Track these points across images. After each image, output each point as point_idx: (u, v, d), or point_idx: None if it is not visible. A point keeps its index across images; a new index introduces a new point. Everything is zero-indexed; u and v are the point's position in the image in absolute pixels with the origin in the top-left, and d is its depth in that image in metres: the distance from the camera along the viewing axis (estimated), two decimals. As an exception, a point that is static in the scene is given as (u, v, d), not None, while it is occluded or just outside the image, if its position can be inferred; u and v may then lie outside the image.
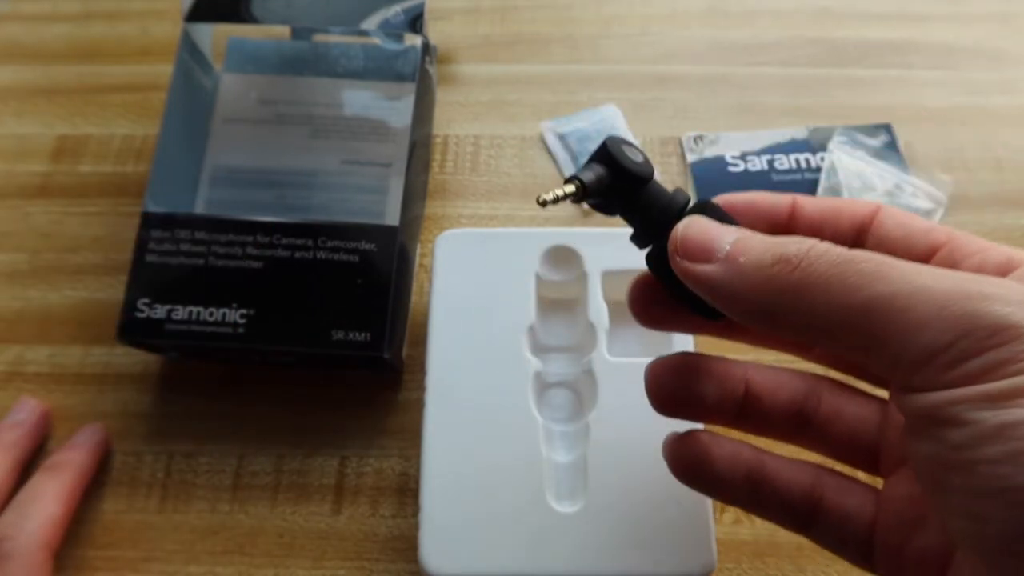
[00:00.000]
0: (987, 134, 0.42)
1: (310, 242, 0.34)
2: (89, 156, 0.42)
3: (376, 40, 0.39)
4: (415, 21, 0.37)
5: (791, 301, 0.19)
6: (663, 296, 0.24)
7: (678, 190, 0.23)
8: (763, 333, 0.26)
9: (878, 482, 0.24)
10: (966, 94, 0.43)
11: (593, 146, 0.41)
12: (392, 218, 0.35)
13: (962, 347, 0.17)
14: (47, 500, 0.31)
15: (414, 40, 0.39)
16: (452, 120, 0.43)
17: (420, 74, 0.38)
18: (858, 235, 0.24)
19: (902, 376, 0.18)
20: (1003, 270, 0.21)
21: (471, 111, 0.43)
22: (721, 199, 0.24)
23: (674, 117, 0.43)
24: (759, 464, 0.24)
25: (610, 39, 0.46)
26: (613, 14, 0.47)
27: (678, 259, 0.21)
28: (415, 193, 0.38)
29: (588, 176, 0.22)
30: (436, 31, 0.45)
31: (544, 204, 0.21)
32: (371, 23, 0.37)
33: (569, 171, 0.41)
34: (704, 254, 0.21)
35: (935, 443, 0.17)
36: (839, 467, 0.25)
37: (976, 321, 0.17)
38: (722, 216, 0.23)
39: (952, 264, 0.22)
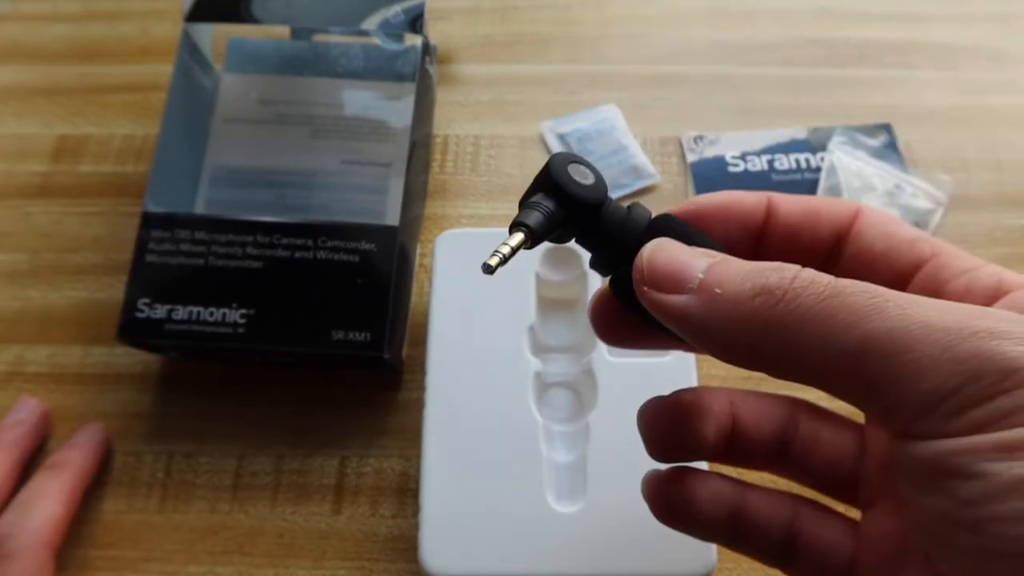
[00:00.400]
0: (987, 134, 0.42)
1: (310, 242, 0.34)
2: (89, 156, 0.42)
3: (376, 40, 0.39)
4: (415, 21, 0.37)
5: (775, 339, 0.17)
6: (629, 316, 0.22)
7: (636, 205, 0.21)
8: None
9: (857, 514, 0.23)
10: (966, 94, 0.43)
11: (593, 146, 0.41)
12: (392, 218, 0.35)
13: (971, 392, 0.15)
14: (49, 499, 0.31)
15: (414, 40, 0.39)
16: (452, 120, 0.43)
17: (420, 74, 0.38)
18: (837, 241, 0.22)
19: (902, 422, 0.16)
20: (993, 294, 0.19)
21: (471, 111, 0.43)
22: (689, 205, 0.22)
23: (674, 117, 0.43)
24: (740, 500, 0.23)
25: (610, 39, 0.46)
26: (613, 14, 0.47)
27: (645, 289, 0.19)
28: (415, 193, 0.38)
29: (535, 218, 0.19)
30: (436, 31, 0.45)
31: (492, 270, 0.18)
32: (371, 23, 0.37)
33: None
34: (674, 284, 0.18)
35: (940, 497, 0.16)
36: (820, 498, 0.24)
37: (986, 363, 0.15)
38: (688, 233, 0.20)
39: (937, 283, 0.20)
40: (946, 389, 0.15)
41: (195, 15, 0.38)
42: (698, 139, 0.42)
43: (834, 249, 0.22)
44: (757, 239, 0.22)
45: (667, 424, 0.23)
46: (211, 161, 0.37)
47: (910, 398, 0.16)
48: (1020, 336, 0.15)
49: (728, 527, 0.23)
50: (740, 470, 0.25)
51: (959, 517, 0.15)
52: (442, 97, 0.44)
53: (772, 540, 0.23)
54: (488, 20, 0.46)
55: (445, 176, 0.42)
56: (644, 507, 0.30)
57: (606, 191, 0.20)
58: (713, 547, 0.29)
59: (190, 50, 0.38)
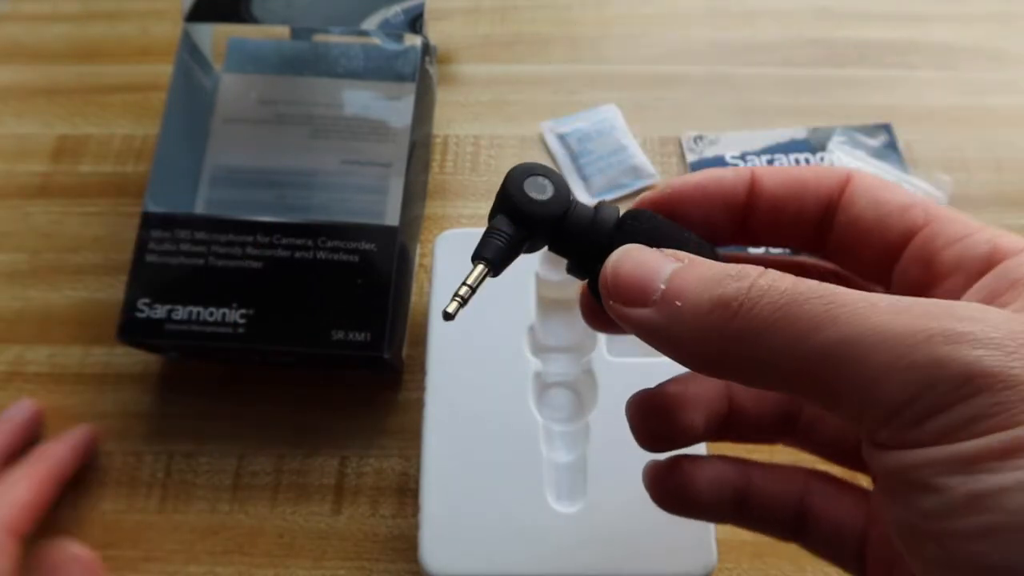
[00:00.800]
0: (987, 134, 0.42)
1: (310, 242, 0.34)
2: (89, 156, 0.42)
3: (376, 40, 0.39)
4: (415, 21, 0.37)
5: (735, 352, 0.16)
6: None
7: (602, 205, 0.21)
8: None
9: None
10: (966, 94, 0.43)
11: (593, 146, 0.41)
12: (392, 218, 0.35)
13: (928, 401, 0.14)
14: (18, 486, 0.31)
15: (414, 40, 0.39)
16: (452, 120, 0.43)
17: (420, 74, 0.38)
18: (826, 212, 0.21)
19: (867, 431, 0.16)
20: (985, 264, 0.18)
21: (471, 111, 0.43)
22: (666, 190, 0.21)
23: (674, 117, 0.43)
24: (745, 481, 0.23)
25: (610, 39, 0.46)
26: (613, 14, 0.47)
27: (611, 303, 0.18)
28: (415, 193, 0.38)
29: (493, 247, 0.19)
30: (436, 31, 0.45)
31: (451, 317, 0.18)
32: (371, 23, 0.37)
33: (569, 171, 0.41)
34: (639, 296, 0.18)
35: (905, 508, 0.15)
36: (833, 468, 0.24)
37: (941, 370, 0.14)
38: (656, 229, 0.20)
39: (929, 254, 0.19)
40: (903, 399, 0.15)
41: (195, 15, 0.38)
42: (698, 139, 0.42)
43: (824, 220, 0.21)
44: (742, 216, 0.21)
45: (653, 416, 0.23)
46: (211, 161, 0.37)
47: (871, 406, 0.15)
48: (977, 337, 0.14)
49: (734, 508, 0.23)
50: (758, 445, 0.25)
51: (923, 529, 0.15)
52: (442, 97, 0.44)
53: (782, 517, 0.22)
54: (488, 20, 0.46)
55: (445, 176, 0.42)
56: (644, 507, 0.30)
57: (566, 199, 0.20)
58: (713, 547, 0.29)
59: (190, 50, 0.38)
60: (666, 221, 0.20)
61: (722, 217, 0.21)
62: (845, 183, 0.21)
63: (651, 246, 0.19)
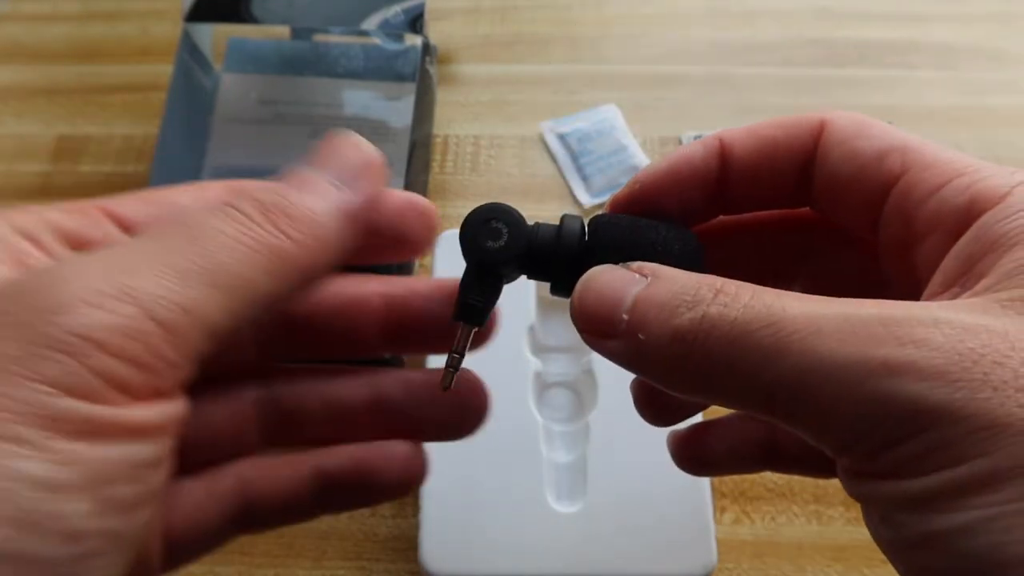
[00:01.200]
0: (987, 134, 0.42)
1: (310, 242, 0.34)
2: (89, 156, 0.42)
3: (376, 40, 0.39)
4: (415, 21, 0.37)
5: (697, 383, 0.17)
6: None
7: (565, 220, 0.20)
8: None
9: None
10: (966, 94, 0.43)
11: (593, 146, 0.41)
12: (392, 218, 0.35)
13: (877, 437, 0.14)
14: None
15: (414, 40, 0.39)
16: (452, 120, 0.43)
17: (420, 74, 0.38)
18: (803, 170, 0.20)
19: (832, 456, 0.16)
20: (963, 219, 0.17)
21: (471, 111, 0.43)
22: (634, 185, 0.21)
23: (674, 117, 0.43)
24: (770, 431, 0.23)
25: (610, 39, 0.46)
26: (613, 14, 0.47)
27: (584, 336, 0.18)
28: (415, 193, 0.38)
29: (470, 305, 0.20)
30: (436, 31, 0.45)
31: (449, 388, 0.20)
32: (371, 23, 0.37)
33: (569, 171, 0.41)
34: (605, 328, 0.17)
35: (874, 531, 0.16)
36: None
37: (885, 406, 0.14)
38: (622, 236, 0.20)
39: (907, 211, 0.18)
40: (853, 434, 0.15)
41: (195, 15, 0.38)
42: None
43: (802, 177, 0.20)
44: (718, 190, 0.21)
45: (657, 393, 0.23)
46: (211, 161, 0.37)
47: (827, 439, 0.15)
48: (919, 367, 0.14)
49: (763, 459, 0.23)
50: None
51: (889, 553, 0.16)
52: (442, 97, 0.44)
53: (815, 459, 0.22)
54: (488, 20, 0.46)
55: (445, 176, 0.42)
56: (644, 507, 0.30)
57: (523, 234, 0.20)
58: (713, 547, 0.29)
59: (190, 50, 0.38)
60: (631, 222, 0.20)
61: (697, 196, 0.21)
62: (818, 133, 0.19)
63: (619, 258, 0.19)
